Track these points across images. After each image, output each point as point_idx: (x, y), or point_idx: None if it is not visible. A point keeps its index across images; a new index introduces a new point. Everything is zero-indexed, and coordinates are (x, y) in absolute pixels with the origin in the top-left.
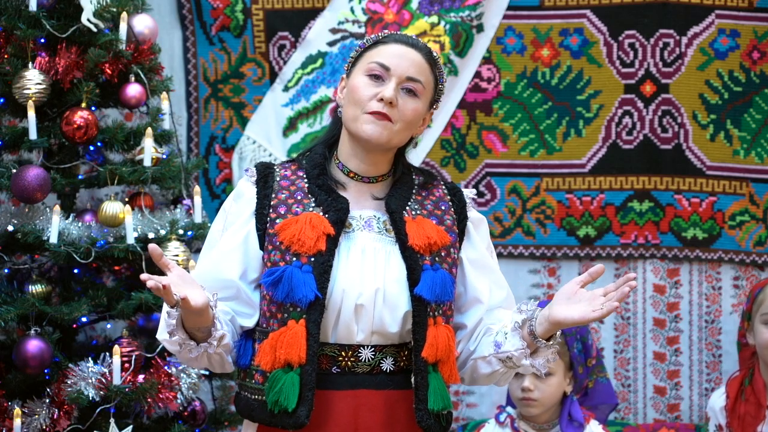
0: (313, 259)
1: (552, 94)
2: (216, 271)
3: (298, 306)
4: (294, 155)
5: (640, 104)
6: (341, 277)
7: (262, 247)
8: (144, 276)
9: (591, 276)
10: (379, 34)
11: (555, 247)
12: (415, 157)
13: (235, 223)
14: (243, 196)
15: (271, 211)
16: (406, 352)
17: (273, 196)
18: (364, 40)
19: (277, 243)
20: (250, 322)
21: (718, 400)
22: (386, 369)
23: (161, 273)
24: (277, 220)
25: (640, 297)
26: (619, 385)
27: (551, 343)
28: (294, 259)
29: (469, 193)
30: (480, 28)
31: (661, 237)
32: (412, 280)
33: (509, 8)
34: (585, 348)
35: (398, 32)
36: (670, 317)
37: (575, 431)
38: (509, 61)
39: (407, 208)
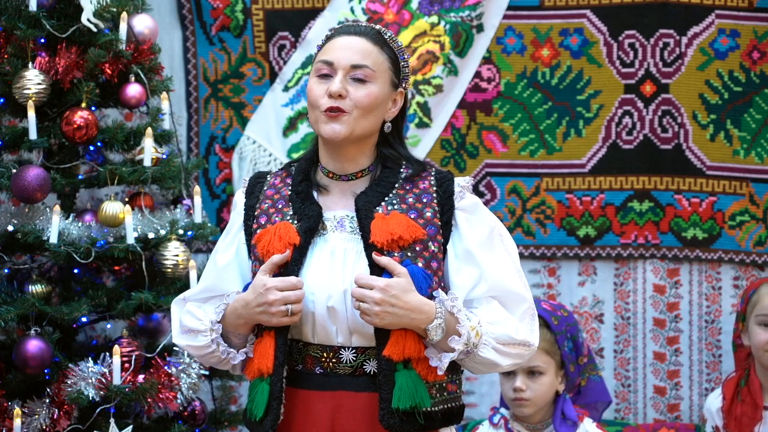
0: (282, 270)
1: (552, 94)
2: (218, 288)
3: None
4: (295, 155)
5: (640, 104)
6: (310, 281)
7: (250, 257)
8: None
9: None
10: (328, 32)
11: (555, 247)
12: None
13: (229, 235)
14: (236, 207)
15: (254, 222)
16: None
17: (257, 206)
18: (318, 44)
19: (257, 254)
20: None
21: (714, 401)
22: (370, 371)
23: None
24: (258, 231)
25: (640, 297)
26: (619, 385)
27: (429, 340)
28: None
29: (461, 181)
30: (480, 28)
31: (661, 237)
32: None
33: (509, 8)
34: (576, 346)
35: (346, 23)
36: (670, 317)
37: (569, 430)
38: (509, 61)
39: (383, 203)
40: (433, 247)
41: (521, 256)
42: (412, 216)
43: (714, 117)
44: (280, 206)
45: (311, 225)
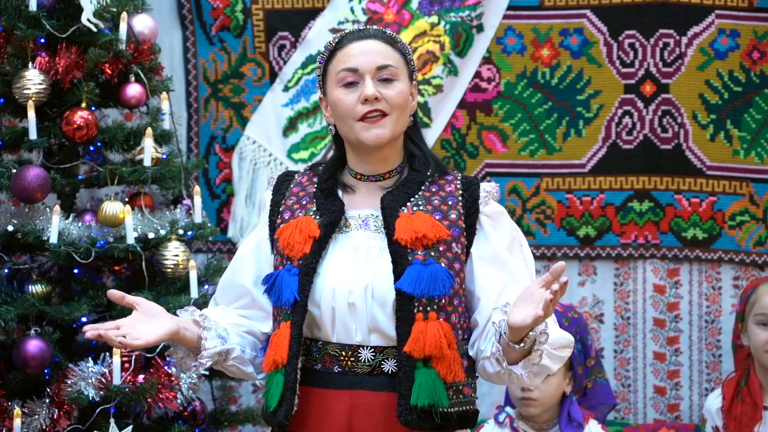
0: (300, 262)
1: (552, 94)
2: (232, 279)
3: (287, 309)
4: (295, 156)
5: (640, 104)
6: (331, 277)
7: (273, 251)
8: (86, 328)
9: (552, 275)
10: (331, 41)
11: (555, 247)
12: None
13: (254, 230)
14: (264, 204)
15: (278, 217)
16: None
17: (282, 202)
18: (321, 55)
19: (279, 247)
20: (267, 327)
21: (714, 401)
22: (388, 371)
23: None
24: (281, 225)
25: (640, 297)
26: (619, 385)
27: (522, 346)
28: (288, 263)
29: (486, 186)
30: (480, 28)
31: (661, 237)
32: (397, 274)
33: (509, 8)
34: (584, 348)
35: (348, 31)
36: (670, 317)
37: (574, 431)
38: (509, 61)
39: (408, 203)
40: (456, 249)
41: None
42: (437, 217)
43: (714, 117)
44: (304, 202)
45: (332, 220)
